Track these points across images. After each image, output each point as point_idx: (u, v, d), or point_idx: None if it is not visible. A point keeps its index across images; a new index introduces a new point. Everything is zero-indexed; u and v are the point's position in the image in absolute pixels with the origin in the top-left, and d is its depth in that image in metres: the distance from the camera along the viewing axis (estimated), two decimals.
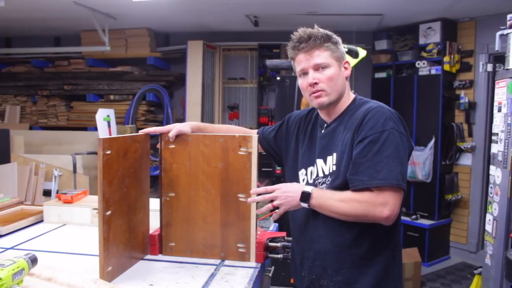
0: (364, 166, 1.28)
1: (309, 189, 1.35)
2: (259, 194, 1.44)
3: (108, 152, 1.36)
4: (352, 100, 1.47)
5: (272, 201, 1.38)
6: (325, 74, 1.39)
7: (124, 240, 1.50)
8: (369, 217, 1.29)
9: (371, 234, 1.36)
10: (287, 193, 1.36)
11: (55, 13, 4.46)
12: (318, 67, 1.39)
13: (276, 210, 1.42)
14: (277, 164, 3.22)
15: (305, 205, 1.35)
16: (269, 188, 1.40)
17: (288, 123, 1.65)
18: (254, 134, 1.74)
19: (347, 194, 1.31)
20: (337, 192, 1.34)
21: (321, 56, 1.39)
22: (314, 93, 1.40)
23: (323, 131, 1.48)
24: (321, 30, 1.41)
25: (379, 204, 1.26)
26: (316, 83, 1.39)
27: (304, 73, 1.42)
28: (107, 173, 1.37)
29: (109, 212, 1.38)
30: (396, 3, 3.97)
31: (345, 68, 1.45)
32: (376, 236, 1.37)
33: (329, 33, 1.42)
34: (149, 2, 3.91)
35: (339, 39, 1.44)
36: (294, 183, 1.44)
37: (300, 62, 1.41)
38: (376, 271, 1.37)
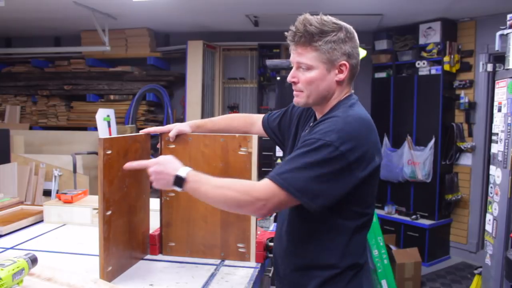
0: (284, 162, 1.20)
1: (184, 172, 1.22)
2: None
3: (109, 152, 1.36)
4: (340, 100, 1.31)
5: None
6: (305, 75, 1.25)
7: (124, 240, 1.50)
8: (242, 209, 1.21)
9: (318, 240, 1.27)
10: (161, 173, 1.25)
11: (55, 13, 4.46)
12: (299, 66, 1.26)
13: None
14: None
15: (178, 189, 1.24)
16: (143, 163, 1.29)
17: (292, 112, 1.56)
18: (257, 121, 1.69)
19: (226, 181, 1.21)
20: (214, 177, 1.23)
21: (305, 56, 1.24)
22: (294, 90, 1.31)
23: (306, 129, 1.39)
24: (319, 23, 1.22)
25: (257, 199, 1.15)
26: (294, 82, 1.29)
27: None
28: (108, 173, 1.37)
29: (109, 212, 1.38)
30: (396, 3, 3.97)
31: (340, 71, 1.26)
32: (325, 242, 1.27)
33: (329, 28, 1.22)
34: (149, 2, 3.91)
35: (343, 35, 1.24)
36: (175, 161, 1.27)
37: (291, 52, 1.29)
38: (322, 279, 1.26)
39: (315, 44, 1.22)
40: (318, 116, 1.35)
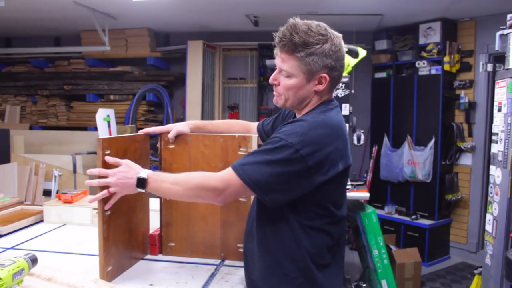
0: (249, 154, 1.27)
1: (145, 174, 1.29)
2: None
3: (108, 152, 1.37)
4: (318, 105, 1.33)
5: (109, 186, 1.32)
6: (284, 81, 1.29)
7: (124, 240, 1.50)
8: (203, 199, 1.28)
9: (278, 243, 1.29)
10: (123, 179, 1.30)
11: (55, 13, 4.46)
12: (281, 70, 1.30)
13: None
14: None
15: (142, 190, 1.30)
16: (103, 172, 1.32)
17: (284, 114, 1.61)
18: (254, 128, 1.75)
19: (183, 176, 1.29)
20: (174, 174, 1.30)
21: (287, 63, 1.27)
22: (275, 90, 1.35)
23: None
24: (305, 32, 1.23)
25: (214, 188, 1.22)
26: (275, 84, 1.33)
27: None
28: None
29: (108, 212, 1.38)
30: (396, 3, 3.97)
31: (319, 82, 1.28)
32: (285, 246, 1.28)
33: (314, 40, 1.23)
34: (149, 2, 3.91)
35: (327, 48, 1.24)
36: (134, 166, 1.33)
37: (275, 54, 1.33)
38: (287, 278, 1.27)
39: (297, 54, 1.24)
40: (298, 116, 1.39)
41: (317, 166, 1.19)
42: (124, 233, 1.50)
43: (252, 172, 1.19)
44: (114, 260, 1.44)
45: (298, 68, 1.26)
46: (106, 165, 1.35)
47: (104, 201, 1.36)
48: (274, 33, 1.30)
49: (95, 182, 1.33)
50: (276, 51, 1.30)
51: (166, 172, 1.31)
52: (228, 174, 1.22)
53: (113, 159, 1.34)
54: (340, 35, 1.30)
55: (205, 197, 1.26)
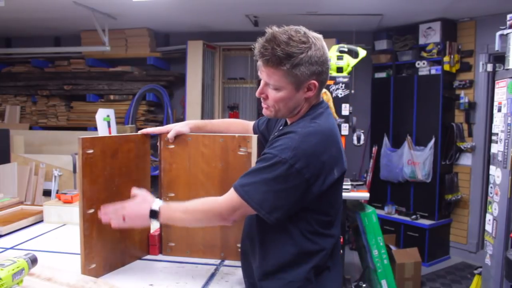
0: (248, 172, 1.25)
1: (157, 206, 1.32)
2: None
3: (90, 151, 1.37)
4: (308, 110, 1.31)
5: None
6: (273, 94, 1.25)
7: (114, 239, 1.50)
8: (214, 224, 1.33)
9: (279, 249, 1.29)
10: (134, 217, 1.34)
11: (55, 13, 4.46)
12: (267, 84, 1.26)
13: None
14: None
15: (155, 221, 1.36)
16: (118, 206, 1.35)
17: None
18: (252, 127, 1.73)
19: (191, 204, 1.31)
20: (183, 203, 1.33)
21: (273, 78, 1.22)
22: (263, 103, 1.31)
23: (275, 133, 1.39)
24: (286, 43, 1.18)
25: (221, 214, 1.26)
26: (263, 98, 1.29)
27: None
28: (89, 172, 1.38)
29: (91, 210, 1.39)
30: (396, 3, 3.97)
31: (309, 89, 1.25)
32: (286, 252, 1.28)
33: (297, 50, 1.18)
34: (149, 2, 3.91)
35: (312, 54, 1.20)
36: (146, 199, 1.36)
37: (258, 67, 1.26)
38: (285, 281, 1.27)
39: (283, 67, 1.20)
40: (289, 121, 1.36)
41: (314, 177, 1.19)
42: (114, 232, 1.49)
43: (254, 193, 1.20)
44: (100, 258, 1.44)
45: (286, 80, 1.22)
46: (87, 164, 1.37)
47: (87, 199, 1.38)
48: (252, 45, 1.25)
49: (104, 217, 1.36)
50: (259, 63, 1.24)
51: (174, 202, 1.37)
52: (231, 198, 1.24)
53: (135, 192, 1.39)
54: (320, 36, 1.26)
55: (215, 221, 1.31)
